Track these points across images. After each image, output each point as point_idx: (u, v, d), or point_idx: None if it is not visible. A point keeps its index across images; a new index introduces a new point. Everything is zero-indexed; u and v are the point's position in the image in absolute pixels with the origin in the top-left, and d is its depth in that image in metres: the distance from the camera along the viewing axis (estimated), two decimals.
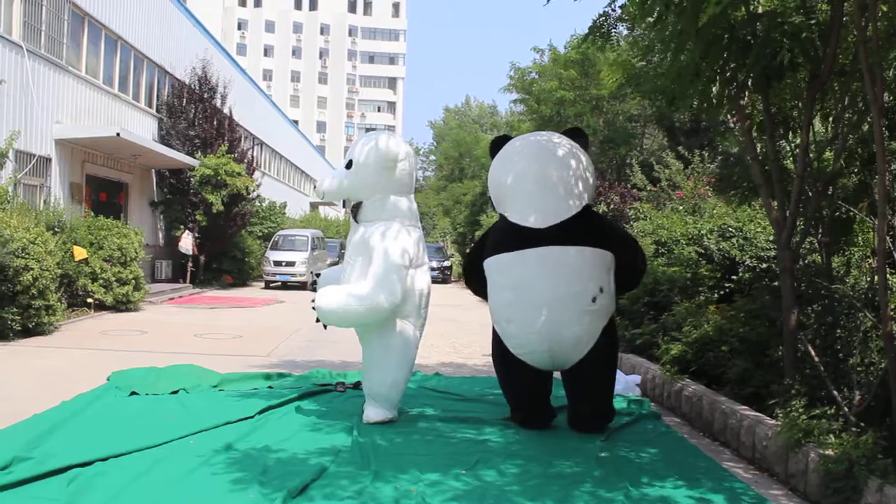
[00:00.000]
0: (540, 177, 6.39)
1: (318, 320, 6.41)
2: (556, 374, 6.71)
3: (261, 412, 6.68)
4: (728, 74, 6.32)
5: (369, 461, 5.33)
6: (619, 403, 7.63)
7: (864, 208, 6.58)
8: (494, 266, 6.51)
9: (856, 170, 6.53)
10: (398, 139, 6.89)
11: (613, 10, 6.33)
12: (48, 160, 16.50)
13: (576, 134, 6.82)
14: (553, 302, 6.12)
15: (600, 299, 6.19)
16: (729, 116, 7.32)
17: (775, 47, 5.55)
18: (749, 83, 6.37)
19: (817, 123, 7.07)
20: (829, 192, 6.58)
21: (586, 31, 6.61)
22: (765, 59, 5.69)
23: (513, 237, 6.37)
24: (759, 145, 6.90)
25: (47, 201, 15.93)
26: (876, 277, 5.59)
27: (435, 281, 30.14)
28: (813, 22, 5.76)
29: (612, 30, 6.54)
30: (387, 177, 6.63)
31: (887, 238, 5.34)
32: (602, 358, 6.33)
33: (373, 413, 6.57)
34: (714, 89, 6.59)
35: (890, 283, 5.71)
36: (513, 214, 6.46)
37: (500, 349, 6.57)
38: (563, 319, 6.13)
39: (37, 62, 15.85)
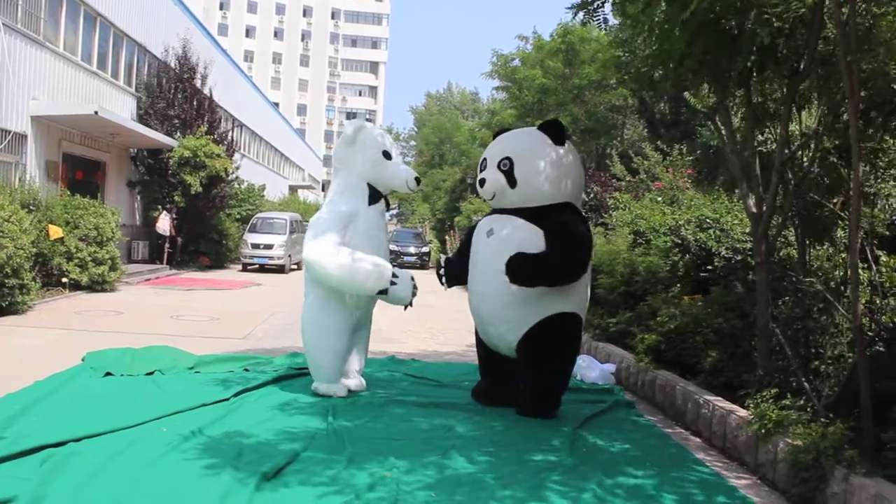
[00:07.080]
0: None
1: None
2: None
3: (236, 395, 6.68)
4: (712, 65, 6.35)
5: (344, 445, 5.34)
6: (593, 392, 7.73)
7: (839, 203, 6.65)
8: None
9: (831, 165, 6.58)
10: None
11: None
12: (24, 137, 16.28)
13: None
14: None
15: None
16: (711, 107, 7.36)
17: (761, 40, 5.57)
18: (733, 74, 6.40)
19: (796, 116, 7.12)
20: (806, 187, 6.64)
21: (572, 8, 6.51)
22: (750, 51, 5.71)
23: None
24: (738, 136, 6.94)
25: (22, 179, 15.72)
26: (849, 271, 5.67)
27: (413, 266, 30.17)
28: (796, 15, 5.78)
29: (600, 7, 6.49)
30: None
31: (860, 233, 5.41)
32: None
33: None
34: (699, 80, 6.61)
35: (862, 277, 5.79)
36: None
37: None
38: None
39: (13, 37, 15.59)
